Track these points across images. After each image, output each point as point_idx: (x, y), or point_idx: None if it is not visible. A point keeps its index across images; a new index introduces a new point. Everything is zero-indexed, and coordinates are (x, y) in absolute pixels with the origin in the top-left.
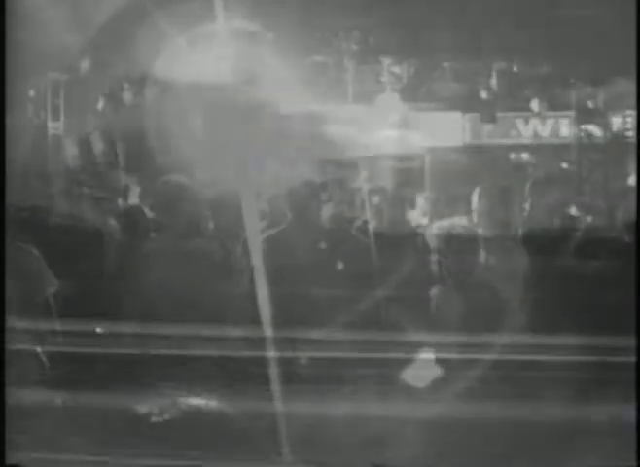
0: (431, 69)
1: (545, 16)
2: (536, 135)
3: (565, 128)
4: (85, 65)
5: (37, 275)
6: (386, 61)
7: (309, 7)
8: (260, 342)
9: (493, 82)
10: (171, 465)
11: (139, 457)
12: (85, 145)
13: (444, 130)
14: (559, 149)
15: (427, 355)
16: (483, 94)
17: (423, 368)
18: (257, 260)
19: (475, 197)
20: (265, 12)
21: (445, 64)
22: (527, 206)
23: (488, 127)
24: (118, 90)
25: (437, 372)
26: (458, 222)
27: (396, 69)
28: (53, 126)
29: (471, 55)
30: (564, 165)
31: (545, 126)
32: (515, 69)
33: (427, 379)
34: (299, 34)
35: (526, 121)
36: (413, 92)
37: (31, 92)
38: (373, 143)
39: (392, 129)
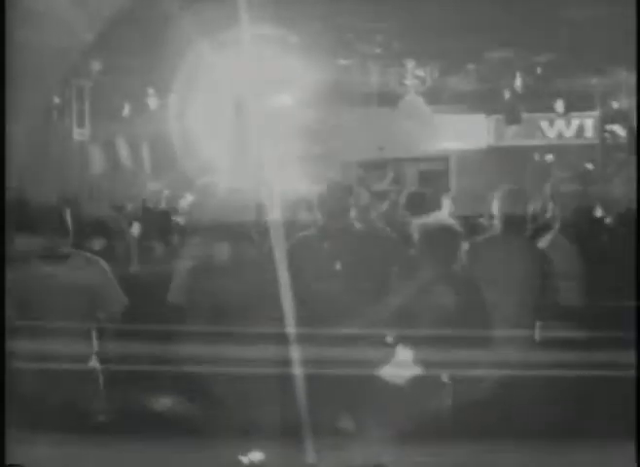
0: (455, 71)
1: (568, 16)
2: (560, 136)
3: (590, 129)
4: (109, 71)
5: (106, 291)
6: (410, 64)
7: (333, 11)
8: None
9: (517, 83)
10: None
11: None
12: (110, 150)
13: (469, 132)
14: (584, 149)
15: (406, 353)
16: (507, 96)
17: (402, 365)
18: (281, 261)
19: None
20: (288, 16)
21: (469, 66)
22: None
23: (513, 129)
24: (143, 96)
25: (416, 369)
26: (441, 218)
27: (420, 72)
28: (79, 133)
29: (494, 57)
30: (589, 166)
31: (569, 127)
32: (538, 71)
33: (405, 376)
34: (322, 38)
35: (551, 122)
36: (437, 95)
37: (56, 99)
38: (398, 145)
39: (416, 132)
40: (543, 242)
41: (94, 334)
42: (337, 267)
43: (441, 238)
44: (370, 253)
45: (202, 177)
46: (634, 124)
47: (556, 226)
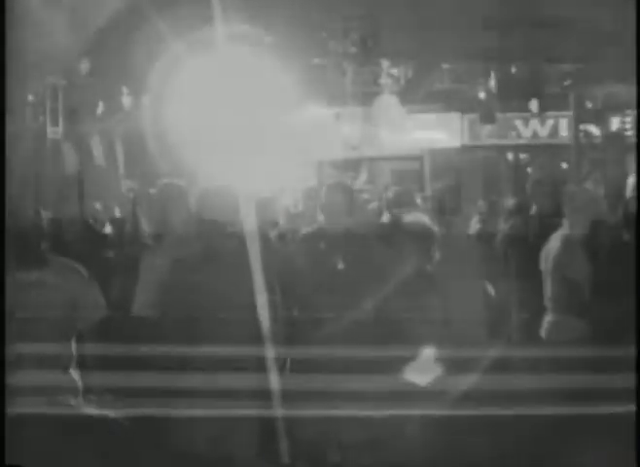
0: (429, 71)
1: (541, 16)
2: (535, 136)
3: (564, 129)
4: (83, 69)
5: (85, 299)
6: (385, 63)
7: (308, 11)
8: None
9: (492, 83)
10: None
11: None
12: (84, 149)
13: (443, 131)
14: (558, 149)
15: (429, 352)
16: (482, 95)
17: (425, 365)
18: (256, 264)
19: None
20: (263, 15)
21: (444, 66)
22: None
23: (487, 128)
24: (117, 95)
25: (438, 369)
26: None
27: (394, 71)
28: (53, 131)
29: (469, 57)
30: (563, 165)
31: (544, 127)
32: (513, 70)
33: (429, 377)
34: (297, 37)
35: (525, 121)
36: (412, 94)
37: (30, 97)
38: (372, 145)
39: (391, 131)
40: (554, 240)
41: (74, 341)
42: (339, 266)
43: (416, 237)
44: (367, 253)
45: (165, 177)
46: (609, 123)
47: (565, 223)
